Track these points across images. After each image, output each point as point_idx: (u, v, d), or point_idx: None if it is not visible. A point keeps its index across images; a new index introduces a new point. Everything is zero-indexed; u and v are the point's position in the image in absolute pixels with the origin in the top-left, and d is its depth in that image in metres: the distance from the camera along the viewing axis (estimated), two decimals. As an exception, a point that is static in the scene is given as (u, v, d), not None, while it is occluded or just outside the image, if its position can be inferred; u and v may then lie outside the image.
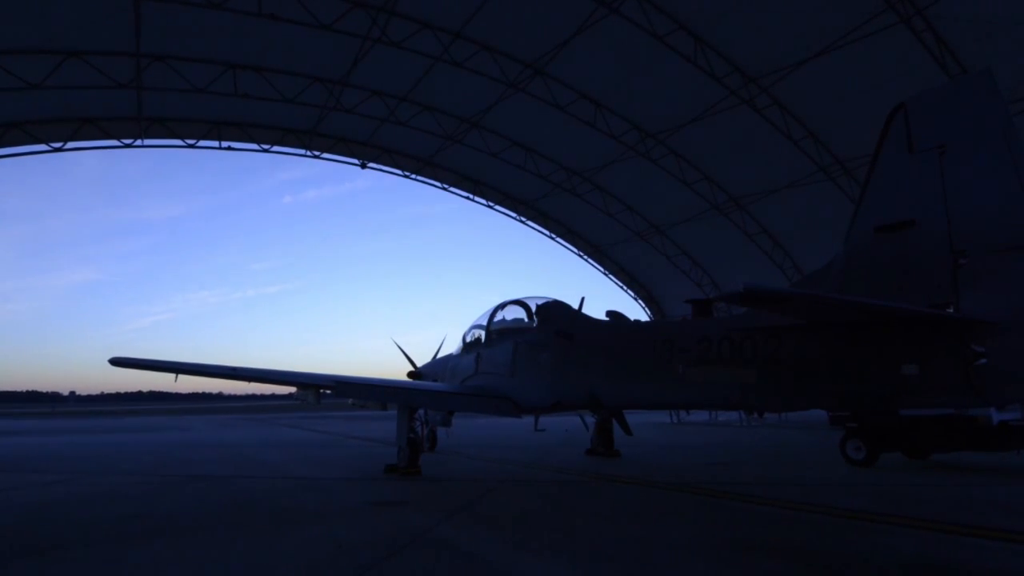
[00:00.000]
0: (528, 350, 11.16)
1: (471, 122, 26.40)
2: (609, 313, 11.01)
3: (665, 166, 26.25)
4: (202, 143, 26.53)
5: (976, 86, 5.95)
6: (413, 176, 31.67)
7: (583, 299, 11.75)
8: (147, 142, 25.52)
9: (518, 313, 12.07)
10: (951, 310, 5.61)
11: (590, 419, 14.90)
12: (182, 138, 26.09)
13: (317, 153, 29.18)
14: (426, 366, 16.22)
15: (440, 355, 15.58)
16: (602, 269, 37.75)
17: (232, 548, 5.96)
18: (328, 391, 11.02)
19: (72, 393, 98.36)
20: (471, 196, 33.38)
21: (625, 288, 38.34)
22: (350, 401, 11.73)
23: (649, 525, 6.83)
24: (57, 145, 23.86)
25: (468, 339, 13.40)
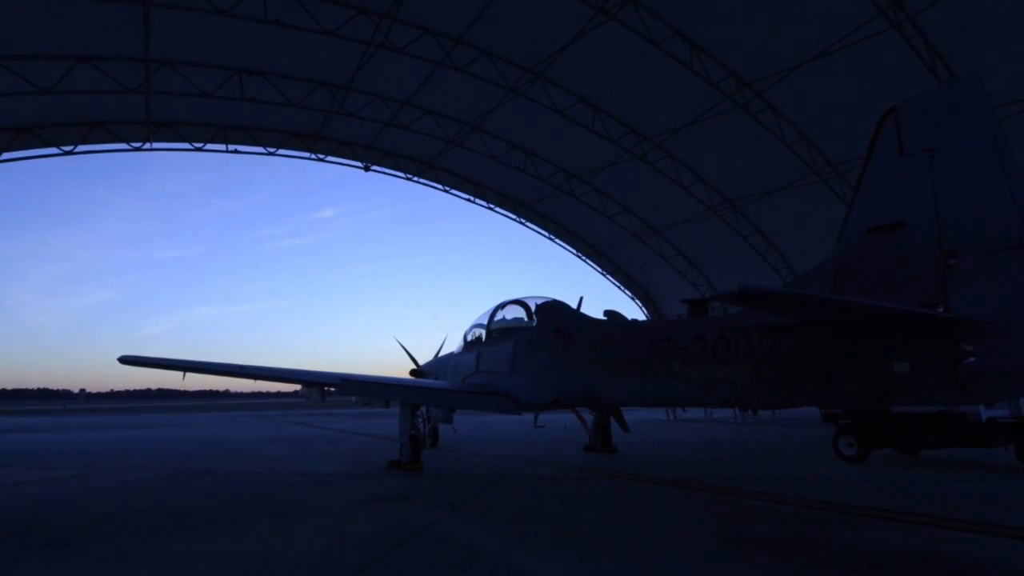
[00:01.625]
0: (528, 349, 11.17)
1: (472, 125, 26.40)
2: (607, 312, 11.02)
3: (662, 169, 26.25)
4: (209, 146, 26.56)
5: (965, 90, 5.95)
6: (415, 179, 31.69)
7: (581, 299, 11.77)
8: (155, 145, 25.54)
9: (518, 312, 12.07)
10: (941, 310, 5.62)
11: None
12: (189, 141, 26.10)
13: (322, 156, 29.20)
14: (428, 364, 16.22)
15: (442, 354, 15.58)
16: (600, 269, 37.75)
17: (240, 541, 5.96)
18: (333, 389, 11.03)
19: (83, 391, 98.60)
20: (472, 198, 33.42)
21: (623, 288, 38.34)
22: (354, 399, 11.73)
23: (646, 519, 6.84)
24: (68, 148, 23.87)
25: (469, 338, 13.41)
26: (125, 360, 10.59)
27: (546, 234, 35.95)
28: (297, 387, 11.60)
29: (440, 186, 32.57)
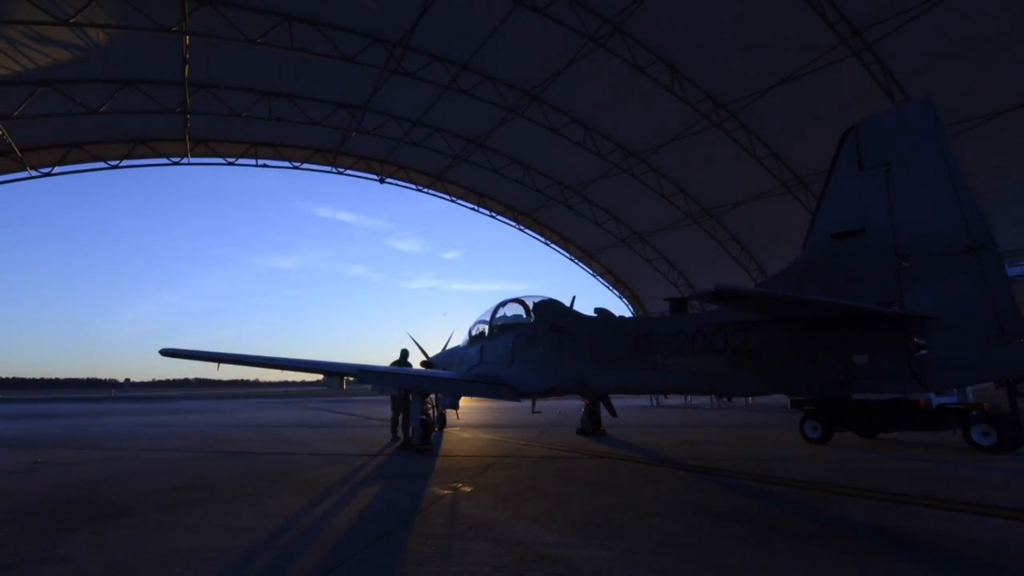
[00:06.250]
0: (526, 342, 11.17)
1: (476, 142, 26.44)
2: (597, 310, 11.01)
3: (646, 181, 26.29)
4: (240, 161, 26.59)
5: (918, 111, 5.97)
6: (426, 190, 31.71)
7: (574, 298, 11.76)
8: (192, 160, 25.58)
9: (517, 310, 12.07)
10: (896, 307, 5.63)
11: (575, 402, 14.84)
12: (223, 157, 26.13)
13: (341, 170, 29.21)
14: (437, 356, 16.23)
15: (449, 347, 15.59)
16: (591, 271, 37.80)
17: (268, 514, 5.97)
18: (352, 378, 11.02)
19: (127, 380, 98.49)
20: (477, 208, 33.46)
21: (611, 288, 38.39)
22: (370, 387, 11.71)
23: (631, 495, 6.85)
24: (114, 163, 23.90)
25: (473, 333, 13.42)
26: (166, 352, 10.58)
27: (543, 240, 35.99)
28: (320, 377, 11.57)
29: (448, 197, 32.59)
